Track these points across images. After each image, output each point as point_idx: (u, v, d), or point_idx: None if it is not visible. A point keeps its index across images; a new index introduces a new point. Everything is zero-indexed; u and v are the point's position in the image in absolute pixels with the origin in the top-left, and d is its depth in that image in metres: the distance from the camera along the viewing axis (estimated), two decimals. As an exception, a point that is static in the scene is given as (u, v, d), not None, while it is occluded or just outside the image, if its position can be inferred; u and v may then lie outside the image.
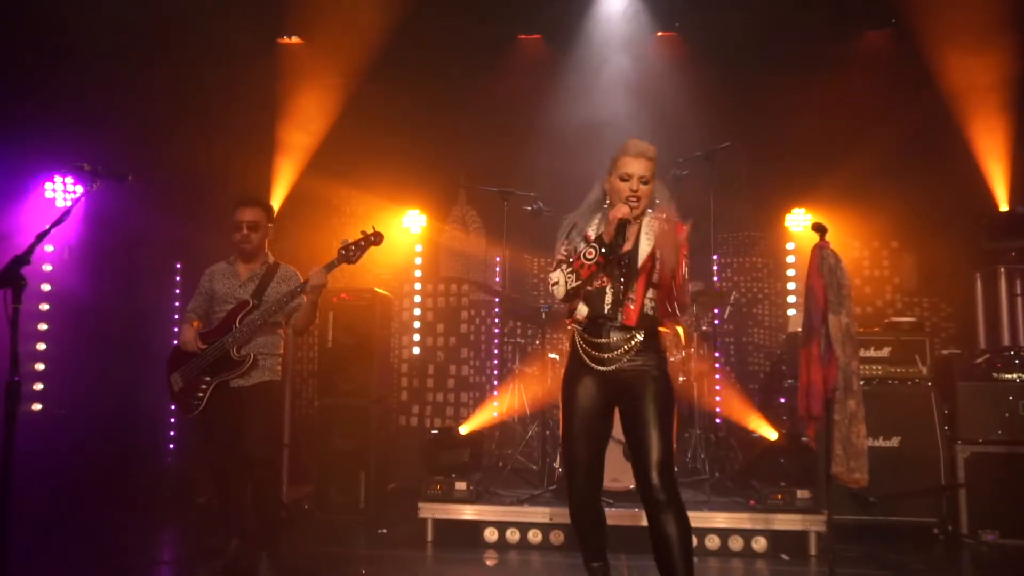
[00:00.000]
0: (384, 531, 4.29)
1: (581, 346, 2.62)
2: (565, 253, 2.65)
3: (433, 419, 6.15)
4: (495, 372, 5.96)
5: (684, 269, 2.54)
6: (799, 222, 5.83)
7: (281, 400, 4.36)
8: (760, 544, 3.81)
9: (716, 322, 5.40)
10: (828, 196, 5.61)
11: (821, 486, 3.65)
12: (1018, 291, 4.75)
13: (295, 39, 5.98)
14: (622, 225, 2.50)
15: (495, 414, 5.25)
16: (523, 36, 6.12)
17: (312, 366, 6.05)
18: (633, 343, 2.55)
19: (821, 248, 3.25)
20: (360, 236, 3.41)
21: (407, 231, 6.13)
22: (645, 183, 2.61)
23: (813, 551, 3.79)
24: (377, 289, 5.04)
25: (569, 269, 2.57)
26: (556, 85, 5.87)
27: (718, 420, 5.00)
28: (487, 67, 5.91)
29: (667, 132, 5.20)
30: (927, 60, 5.43)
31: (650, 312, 2.58)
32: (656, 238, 2.58)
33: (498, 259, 6.06)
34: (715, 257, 5.70)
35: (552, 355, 4.75)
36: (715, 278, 5.71)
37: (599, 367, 2.57)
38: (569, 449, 2.66)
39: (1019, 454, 4.06)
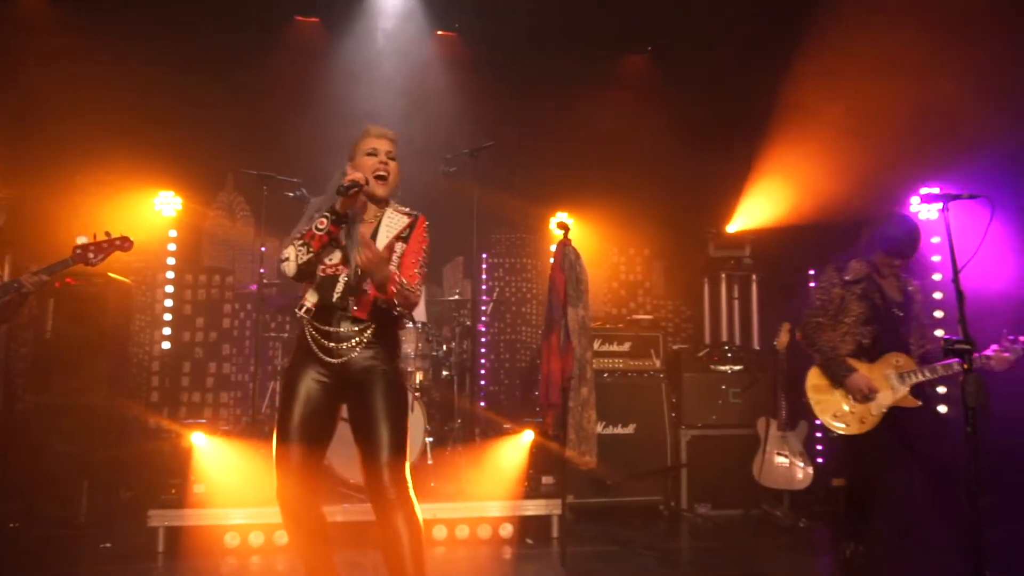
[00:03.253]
0: (108, 545, 3.83)
1: (311, 334, 2.42)
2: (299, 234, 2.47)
3: (186, 420, 5.65)
4: (260, 370, 5.62)
5: (420, 265, 2.49)
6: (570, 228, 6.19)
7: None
8: (507, 530, 3.95)
9: (483, 318, 5.57)
10: (591, 204, 6.02)
11: (565, 472, 3.88)
12: (735, 295, 5.44)
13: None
14: (353, 187, 2.33)
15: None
16: (300, 18, 5.88)
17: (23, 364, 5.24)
18: (365, 335, 2.41)
19: (564, 245, 3.46)
20: (104, 238, 3.11)
21: (158, 214, 5.58)
22: (392, 159, 2.52)
23: (556, 533, 4.00)
24: (111, 274, 4.51)
25: (301, 241, 2.39)
26: (331, 70, 5.71)
27: (482, 415, 5.16)
28: (262, 44, 5.60)
29: (437, 128, 5.28)
30: (677, 88, 6.07)
31: (384, 304, 2.43)
32: (410, 233, 2.50)
33: (263, 249, 5.73)
34: (484, 256, 5.89)
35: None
36: (483, 275, 5.89)
37: (328, 358, 2.40)
38: (284, 447, 2.35)
39: (729, 436, 4.63)
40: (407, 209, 2.59)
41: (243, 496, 3.83)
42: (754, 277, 5.58)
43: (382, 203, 2.55)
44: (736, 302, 5.48)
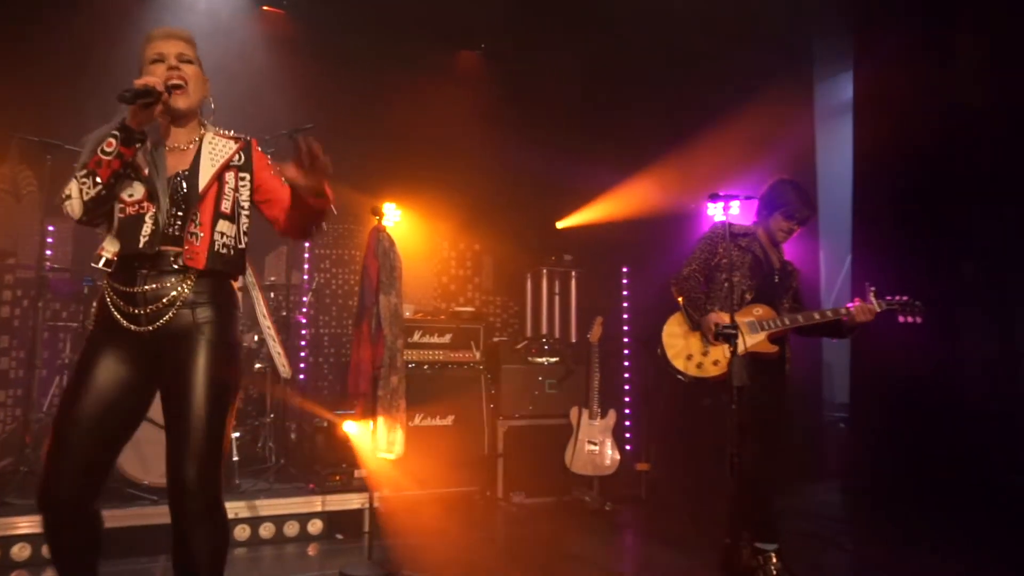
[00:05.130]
0: None
1: (110, 296, 1.94)
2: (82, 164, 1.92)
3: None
4: (43, 363, 5.02)
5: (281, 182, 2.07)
6: (392, 218, 6.12)
7: None
8: (316, 526, 3.81)
9: (304, 310, 5.36)
10: (423, 197, 5.98)
11: (380, 464, 3.81)
12: (556, 290, 5.65)
13: None
14: (145, 95, 1.83)
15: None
16: (107, -22, 5.33)
17: None
18: (187, 290, 1.93)
19: (378, 231, 3.40)
20: None
21: (-85, 184, 4.82)
22: (188, 62, 2.02)
23: (367, 527, 3.91)
24: None
25: (84, 172, 1.86)
26: (135, 33, 5.21)
27: (297, 409, 4.96)
28: (51, 7, 5.01)
29: (255, 108, 4.99)
30: (511, 85, 6.20)
31: (223, 252, 1.98)
32: (257, 164, 2.08)
33: (51, 228, 5.14)
34: (307, 245, 5.67)
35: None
36: (306, 266, 5.67)
37: (135, 326, 1.91)
38: (63, 442, 1.86)
39: (544, 426, 4.78)
40: (231, 132, 2.13)
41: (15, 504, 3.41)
42: (573, 274, 5.82)
43: (193, 124, 2.07)
44: (557, 297, 5.69)
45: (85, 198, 1.86)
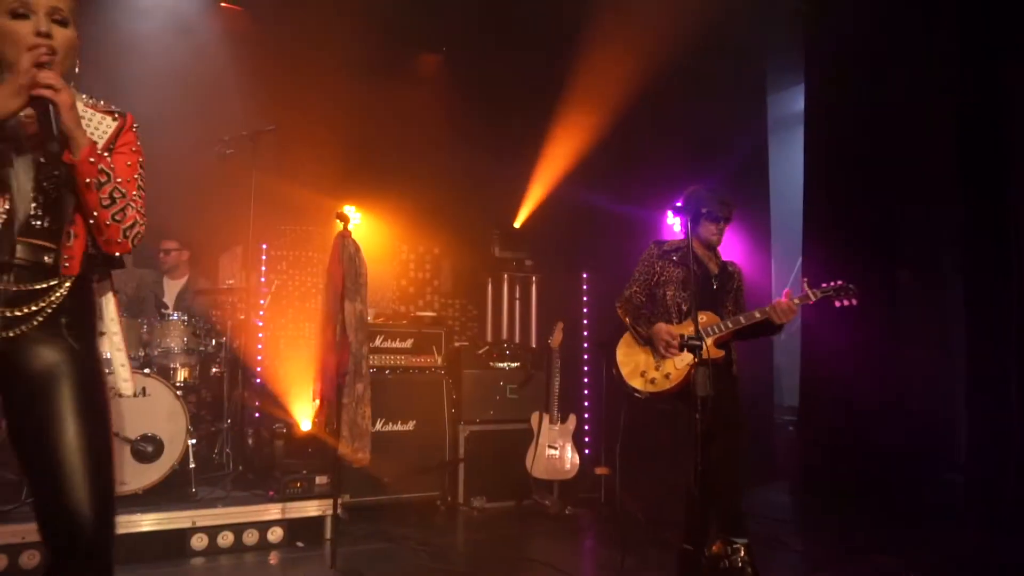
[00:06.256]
0: None
1: None
2: None
3: None
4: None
5: (140, 186, 1.70)
6: (352, 220, 6.06)
7: None
8: (276, 534, 3.76)
9: (261, 312, 5.27)
10: (383, 200, 5.95)
11: (339, 470, 3.77)
12: (517, 295, 5.69)
13: None
14: (47, 120, 1.48)
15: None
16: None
17: None
18: (52, 300, 1.56)
19: (343, 237, 3.37)
20: None
21: None
22: (62, 24, 1.58)
23: (328, 534, 3.88)
24: None
25: None
26: (92, 34, 5.05)
27: (256, 414, 4.88)
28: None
29: (212, 106, 4.90)
30: (471, 88, 6.21)
31: (93, 252, 1.65)
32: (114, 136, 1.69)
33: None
34: (264, 247, 5.58)
35: None
36: (263, 267, 5.58)
37: None
38: None
39: (505, 431, 4.81)
40: (109, 105, 1.74)
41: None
42: (534, 278, 5.87)
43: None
44: (517, 302, 5.73)
45: None
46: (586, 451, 5.29)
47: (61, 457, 1.50)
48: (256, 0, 5.67)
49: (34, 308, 1.55)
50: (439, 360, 4.76)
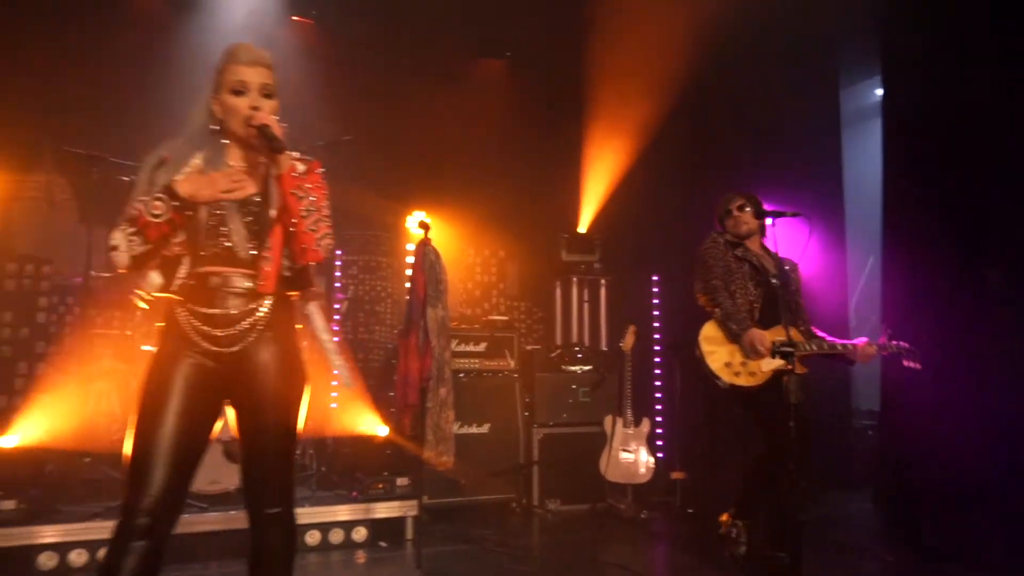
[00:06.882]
0: None
1: (185, 317, 1.95)
2: (141, 205, 1.88)
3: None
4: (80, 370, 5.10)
5: (325, 210, 2.04)
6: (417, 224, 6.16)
7: None
8: (360, 534, 3.86)
9: (336, 317, 5.41)
10: (449, 204, 6.02)
11: (420, 473, 3.86)
12: (586, 298, 5.69)
13: None
14: (266, 135, 1.88)
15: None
16: (137, -11, 5.41)
17: None
18: (259, 314, 1.96)
19: (424, 245, 3.44)
20: None
21: (-47, 194, 4.90)
22: (268, 96, 2.01)
23: (410, 535, 3.96)
24: None
25: (132, 229, 1.86)
26: (172, 46, 5.29)
27: (332, 415, 5.01)
28: (92, 16, 5.08)
29: (288, 119, 5.04)
30: (536, 93, 6.24)
31: (289, 275, 2.02)
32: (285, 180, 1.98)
33: (88, 236, 5.21)
34: (339, 252, 5.72)
35: (146, 347, 4.22)
36: (337, 273, 5.72)
37: (212, 347, 1.94)
38: (146, 457, 1.85)
39: (578, 434, 4.82)
40: (297, 154, 2.06)
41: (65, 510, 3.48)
42: (603, 281, 5.85)
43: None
44: (586, 305, 5.72)
45: (133, 253, 1.88)
46: (659, 454, 5.25)
47: (263, 438, 1.96)
48: (323, 11, 5.82)
49: (247, 325, 1.95)
50: (511, 363, 4.80)
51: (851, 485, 5.46)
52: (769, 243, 3.52)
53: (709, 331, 3.35)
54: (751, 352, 3.21)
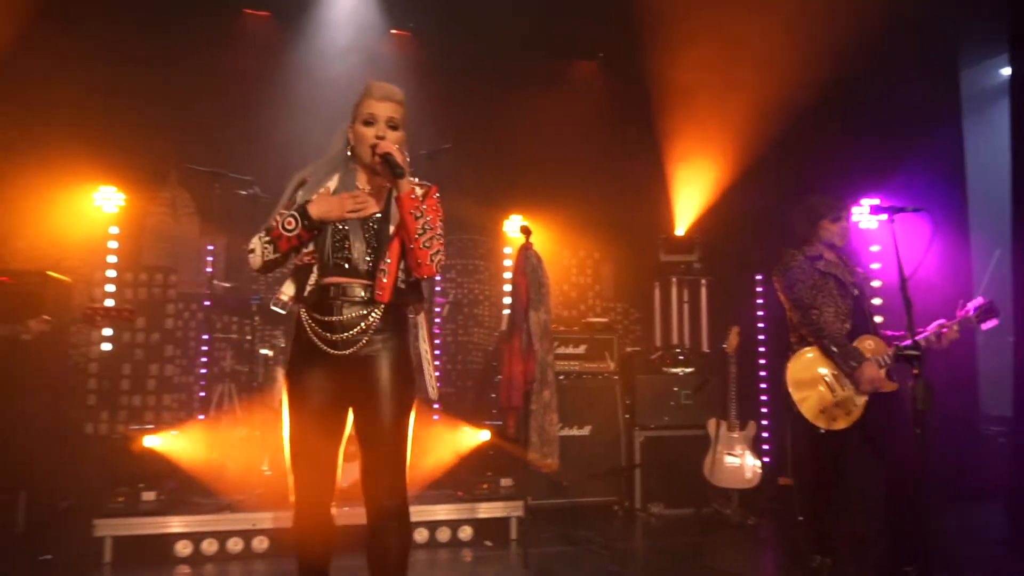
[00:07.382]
0: (49, 557, 3.67)
1: (309, 324, 2.16)
2: (279, 218, 2.16)
3: (128, 425, 5.45)
4: (204, 371, 5.47)
5: (439, 229, 2.20)
6: (516, 228, 6.23)
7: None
8: (466, 533, 3.95)
9: (437, 320, 5.55)
10: (544, 206, 6.06)
11: (524, 474, 3.91)
12: (685, 299, 5.58)
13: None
14: (389, 162, 2.06)
15: (201, 416, 4.82)
16: (249, 11, 5.75)
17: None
18: (371, 320, 2.13)
19: (526, 249, 3.48)
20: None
21: (99, 209, 5.36)
22: (394, 128, 2.22)
23: (514, 535, 4.02)
24: (51, 273, 4.31)
25: (268, 237, 2.15)
26: (282, 66, 5.60)
27: (436, 416, 5.14)
28: (208, 39, 5.45)
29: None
30: (630, 94, 6.18)
31: (403, 287, 2.18)
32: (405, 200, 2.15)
33: (211, 247, 5.59)
34: (439, 257, 5.86)
35: (264, 351, 4.47)
36: (437, 276, 5.86)
37: (332, 350, 2.14)
38: (301, 451, 2.15)
39: (681, 436, 4.74)
40: (416, 180, 2.27)
41: (197, 502, 3.74)
42: (703, 282, 5.72)
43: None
44: (686, 306, 5.61)
45: (265, 258, 2.17)
46: (765, 459, 5.08)
47: (380, 431, 2.11)
48: (420, 23, 5.99)
49: (359, 329, 2.12)
50: (612, 365, 4.77)
51: (981, 495, 5.10)
52: (881, 240, 3.36)
53: (797, 373, 3.18)
54: (868, 389, 3.06)
